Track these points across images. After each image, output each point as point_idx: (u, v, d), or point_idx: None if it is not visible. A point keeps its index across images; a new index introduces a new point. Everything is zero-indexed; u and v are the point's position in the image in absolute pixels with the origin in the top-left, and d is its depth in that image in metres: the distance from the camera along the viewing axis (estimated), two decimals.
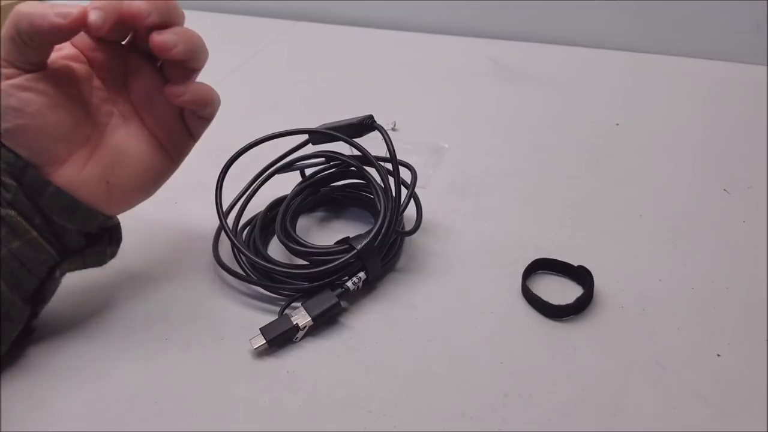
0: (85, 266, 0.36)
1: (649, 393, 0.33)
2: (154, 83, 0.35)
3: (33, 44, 0.30)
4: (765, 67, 0.65)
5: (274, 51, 0.75)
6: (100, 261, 0.36)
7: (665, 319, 0.37)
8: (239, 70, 0.70)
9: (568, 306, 0.37)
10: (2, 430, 0.32)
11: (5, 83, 0.30)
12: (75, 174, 0.33)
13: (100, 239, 0.36)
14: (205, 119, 0.37)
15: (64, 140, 0.33)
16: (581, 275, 0.39)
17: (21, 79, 0.31)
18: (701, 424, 0.31)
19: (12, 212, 0.31)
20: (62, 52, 0.33)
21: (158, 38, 0.31)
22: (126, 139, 0.35)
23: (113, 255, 0.37)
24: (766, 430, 0.31)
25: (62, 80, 0.32)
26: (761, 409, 0.32)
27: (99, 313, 0.39)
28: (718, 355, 0.35)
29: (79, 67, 0.33)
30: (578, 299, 0.37)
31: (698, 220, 0.45)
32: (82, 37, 0.33)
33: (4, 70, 0.30)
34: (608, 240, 0.43)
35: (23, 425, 0.32)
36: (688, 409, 0.32)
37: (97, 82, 0.34)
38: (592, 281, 0.38)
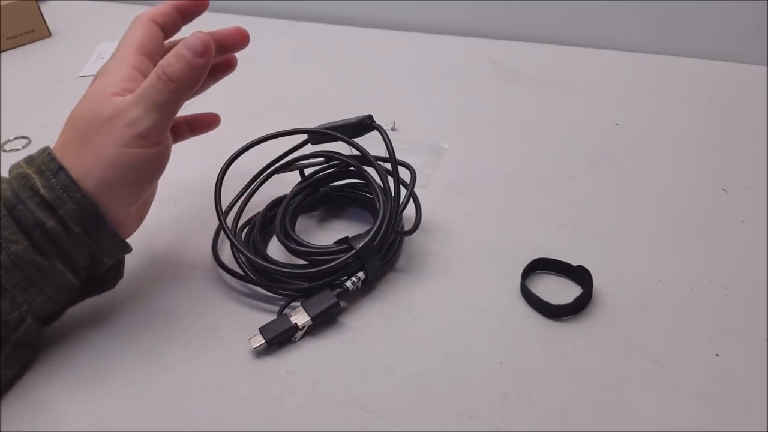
0: (104, 291, 0.38)
1: (648, 393, 0.33)
2: None
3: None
4: (765, 67, 0.65)
5: (274, 51, 0.75)
6: (115, 284, 0.38)
7: (664, 318, 0.37)
8: (239, 70, 0.70)
9: (567, 306, 0.37)
10: (2, 430, 0.32)
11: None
12: (134, 220, 0.36)
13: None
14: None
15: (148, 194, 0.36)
16: (580, 275, 0.39)
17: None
18: (700, 423, 0.31)
19: (59, 265, 0.33)
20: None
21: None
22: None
23: (122, 275, 0.39)
24: (765, 430, 0.31)
25: None
26: (760, 408, 0.32)
27: (98, 313, 0.39)
28: (717, 354, 0.35)
29: None
30: (577, 299, 0.37)
31: (697, 219, 0.45)
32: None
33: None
34: (607, 240, 0.43)
35: (23, 425, 0.32)
36: (687, 408, 0.32)
37: None
38: (591, 281, 0.38)
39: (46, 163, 0.32)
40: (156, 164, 0.34)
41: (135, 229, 0.37)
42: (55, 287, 0.33)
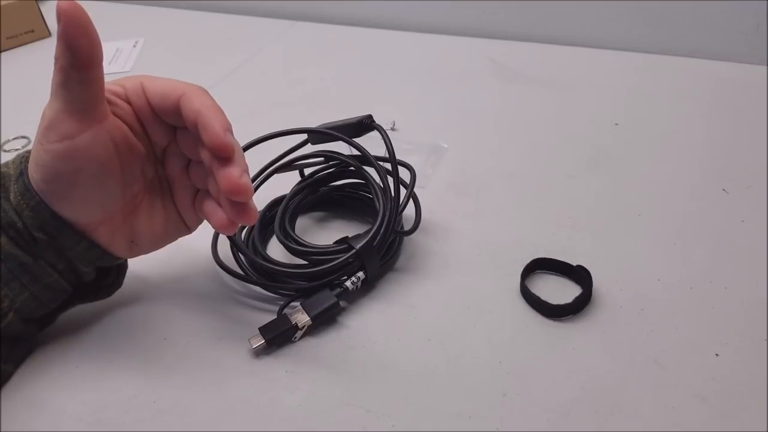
0: (97, 299, 0.38)
1: (647, 393, 0.33)
2: (185, 162, 0.35)
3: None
4: (765, 67, 0.65)
5: (273, 51, 0.75)
6: (111, 293, 0.38)
7: (664, 318, 0.37)
8: (239, 70, 0.70)
9: (566, 306, 0.37)
10: (2, 430, 0.32)
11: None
12: (107, 233, 0.34)
13: (110, 271, 0.37)
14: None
15: (107, 205, 0.33)
16: (580, 275, 0.39)
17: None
18: (700, 423, 0.31)
19: (41, 261, 0.32)
20: (117, 110, 0.32)
21: (241, 182, 0.30)
22: (154, 210, 0.35)
23: (120, 285, 0.39)
24: (765, 430, 0.31)
25: (119, 144, 0.32)
26: (760, 409, 0.32)
27: (98, 313, 0.39)
28: (717, 354, 0.35)
29: (132, 134, 0.33)
30: (577, 299, 0.37)
31: (697, 219, 0.45)
32: (142, 103, 0.33)
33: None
34: (607, 240, 0.43)
35: (23, 425, 0.32)
36: (687, 408, 0.32)
37: (143, 151, 0.34)
38: (591, 281, 0.38)
39: (16, 165, 0.32)
40: (73, 161, 0.30)
41: (127, 252, 0.35)
42: (40, 286, 0.33)
